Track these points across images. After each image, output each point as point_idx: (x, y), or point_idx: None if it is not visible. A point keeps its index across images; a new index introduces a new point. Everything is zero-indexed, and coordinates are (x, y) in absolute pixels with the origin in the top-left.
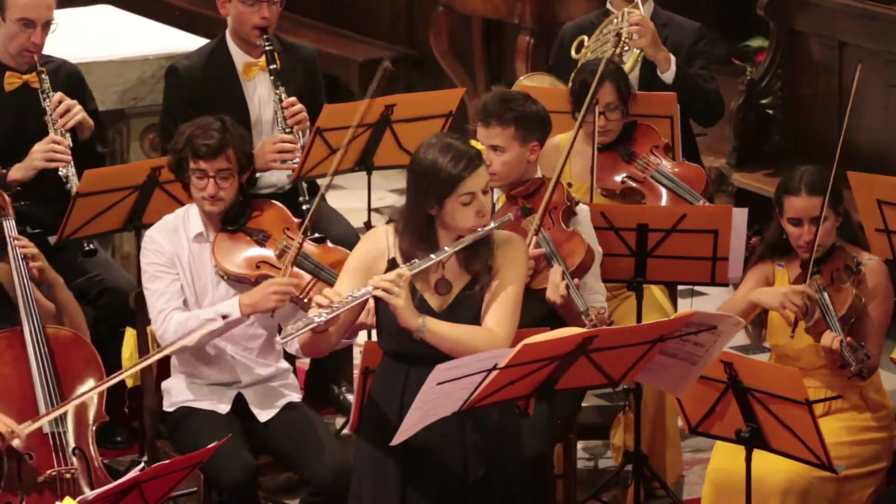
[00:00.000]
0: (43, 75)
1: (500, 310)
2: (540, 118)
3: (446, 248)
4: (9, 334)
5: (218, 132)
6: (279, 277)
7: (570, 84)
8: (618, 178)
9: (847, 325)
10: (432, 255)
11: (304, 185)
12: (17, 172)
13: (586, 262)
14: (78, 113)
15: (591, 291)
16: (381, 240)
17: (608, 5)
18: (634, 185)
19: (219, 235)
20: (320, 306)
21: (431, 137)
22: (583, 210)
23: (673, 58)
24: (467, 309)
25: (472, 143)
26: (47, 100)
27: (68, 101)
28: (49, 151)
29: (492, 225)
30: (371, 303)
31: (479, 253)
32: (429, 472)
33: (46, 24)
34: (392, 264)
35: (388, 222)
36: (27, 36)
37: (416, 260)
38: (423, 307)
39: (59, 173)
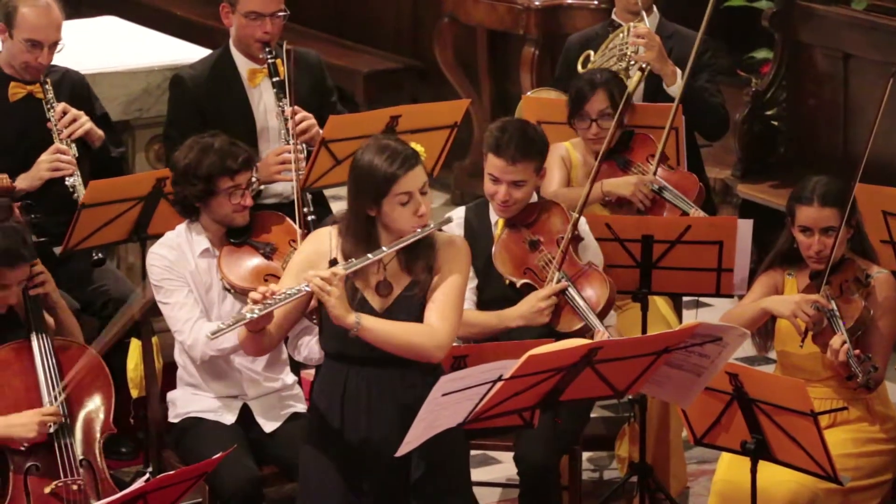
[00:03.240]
0: (47, 86)
1: (442, 306)
2: (547, 144)
3: (384, 248)
4: (17, 346)
5: (235, 146)
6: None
7: (569, 90)
8: None
9: (855, 337)
10: (369, 255)
11: (310, 196)
12: (22, 182)
13: (611, 300)
14: (85, 123)
15: None
16: (325, 241)
17: (613, 16)
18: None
19: (225, 249)
20: (255, 302)
21: (370, 139)
22: (582, 222)
23: (679, 71)
24: (407, 310)
25: (413, 145)
26: (51, 110)
27: (74, 112)
28: (55, 161)
29: (431, 226)
30: None
31: (419, 254)
32: (371, 472)
33: (53, 45)
34: (333, 265)
35: (332, 224)
36: (34, 56)
37: (354, 259)
38: (363, 308)
39: (66, 182)
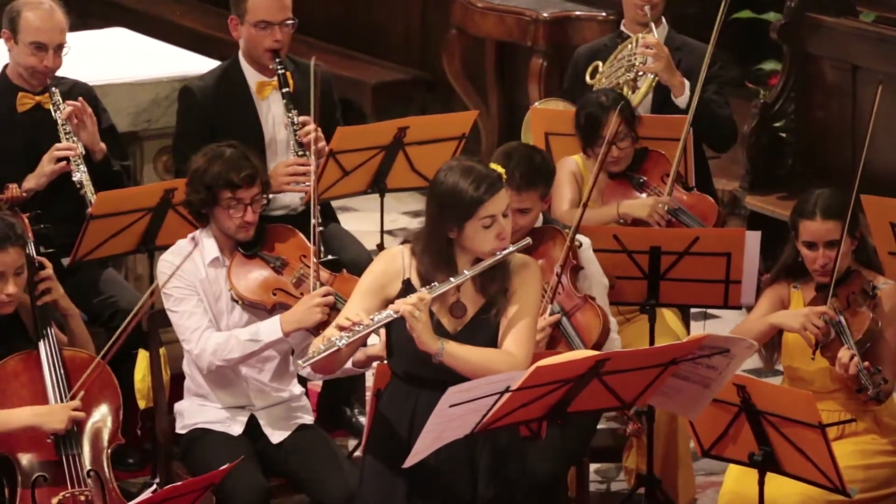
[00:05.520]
0: (53, 89)
1: (519, 332)
2: (553, 170)
3: (466, 272)
4: (25, 356)
5: (245, 159)
6: (318, 289)
7: (575, 118)
8: None
9: (863, 350)
10: (452, 279)
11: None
12: (30, 181)
13: (605, 334)
14: (90, 125)
15: None
16: (397, 260)
17: (622, 28)
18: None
19: (235, 260)
20: (341, 329)
21: (452, 160)
22: (586, 247)
23: (687, 83)
24: (482, 332)
25: (492, 166)
26: (58, 112)
27: (86, 111)
28: (56, 151)
29: (511, 248)
30: (383, 333)
31: (495, 277)
32: (437, 493)
33: (59, 48)
34: (407, 285)
35: (402, 243)
36: (39, 59)
37: (436, 283)
38: (438, 329)
39: (74, 178)
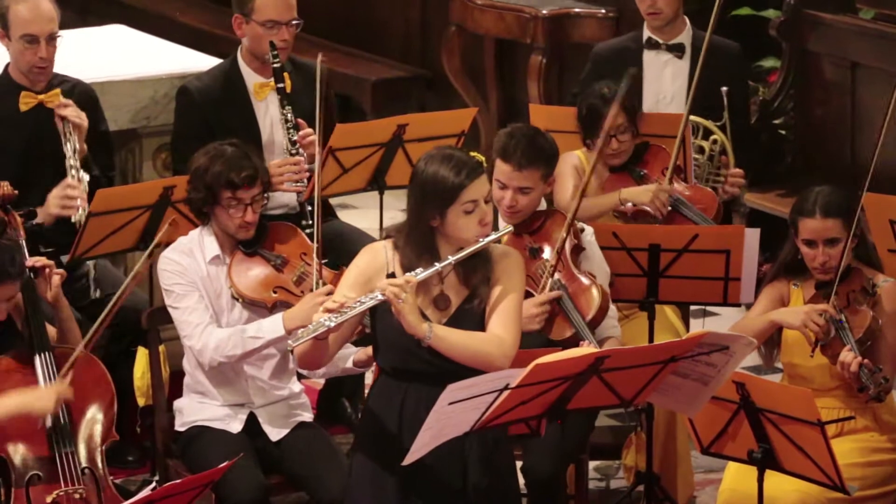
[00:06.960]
0: (53, 82)
1: (504, 316)
2: (556, 153)
3: (450, 258)
4: (17, 354)
5: (246, 159)
6: (321, 287)
7: (577, 110)
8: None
9: (864, 348)
10: (437, 264)
11: (309, 208)
12: (38, 218)
13: (603, 309)
14: (76, 119)
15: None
16: (380, 254)
17: (647, 33)
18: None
19: (235, 258)
20: (329, 311)
21: (431, 150)
22: (588, 233)
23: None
24: (467, 322)
25: (473, 153)
26: (68, 143)
27: (76, 111)
28: (63, 199)
29: (493, 235)
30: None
31: (477, 267)
32: (428, 487)
33: (51, 38)
34: (391, 278)
35: (385, 238)
36: (33, 52)
37: (421, 269)
38: None
39: (73, 220)
